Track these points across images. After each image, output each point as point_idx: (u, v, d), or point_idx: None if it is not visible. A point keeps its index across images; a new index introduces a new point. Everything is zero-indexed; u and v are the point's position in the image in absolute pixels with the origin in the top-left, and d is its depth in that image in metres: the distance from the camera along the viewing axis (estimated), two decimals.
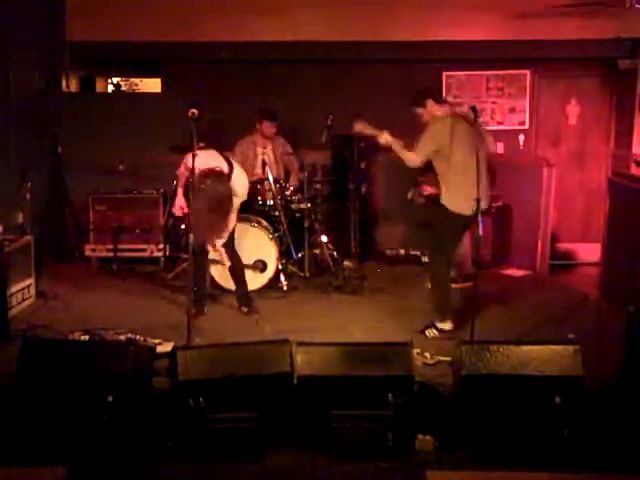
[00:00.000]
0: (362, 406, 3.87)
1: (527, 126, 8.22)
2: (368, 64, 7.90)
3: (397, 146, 5.33)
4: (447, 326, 5.29)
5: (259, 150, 7.13)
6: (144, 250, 7.29)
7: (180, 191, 5.86)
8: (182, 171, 5.78)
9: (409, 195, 6.11)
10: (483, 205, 5.02)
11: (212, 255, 6.33)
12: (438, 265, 5.41)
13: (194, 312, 5.49)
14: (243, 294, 5.96)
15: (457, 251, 6.11)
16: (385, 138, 5.36)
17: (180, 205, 5.82)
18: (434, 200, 5.38)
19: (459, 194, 5.13)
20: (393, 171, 6.78)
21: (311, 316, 5.78)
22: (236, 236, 6.37)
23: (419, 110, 5.39)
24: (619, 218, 6.30)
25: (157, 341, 4.92)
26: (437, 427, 3.94)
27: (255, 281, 6.37)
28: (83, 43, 7.64)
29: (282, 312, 5.93)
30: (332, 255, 7.02)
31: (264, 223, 6.55)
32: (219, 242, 5.71)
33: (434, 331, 5.29)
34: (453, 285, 6.29)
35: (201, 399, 3.81)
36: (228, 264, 5.83)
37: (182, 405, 3.83)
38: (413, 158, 5.22)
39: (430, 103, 5.34)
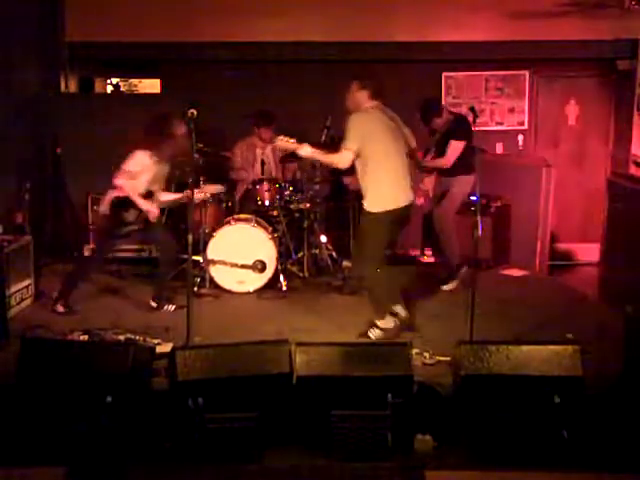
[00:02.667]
0: (361, 406, 3.87)
1: (526, 126, 8.23)
2: (368, 64, 7.89)
3: (320, 155, 5.22)
4: (389, 324, 5.17)
5: (258, 151, 7.14)
6: (144, 250, 7.29)
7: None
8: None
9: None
10: (410, 198, 5.09)
11: (211, 254, 6.35)
12: (371, 273, 5.19)
13: (157, 306, 5.81)
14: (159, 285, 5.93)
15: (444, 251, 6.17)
16: (305, 150, 5.19)
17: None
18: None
19: (378, 188, 5.03)
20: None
21: (310, 316, 5.78)
22: (236, 236, 6.39)
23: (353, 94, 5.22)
24: (618, 218, 6.30)
25: (156, 341, 4.93)
26: (436, 427, 3.94)
27: (254, 281, 6.37)
28: (82, 44, 7.65)
29: (281, 312, 5.93)
30: (331, 255, 7.03)
31: (263, 223, 6.55)
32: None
33: (377, 330, 5.17)
34: (443, 287, 6.40)
35: (200, 399, 3.81)
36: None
37: (181, 405, 3.83)
38: (343, 157, 5.02)
39: (363, 94, 5.16)
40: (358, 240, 5.36)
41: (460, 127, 6.29)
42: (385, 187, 5.03)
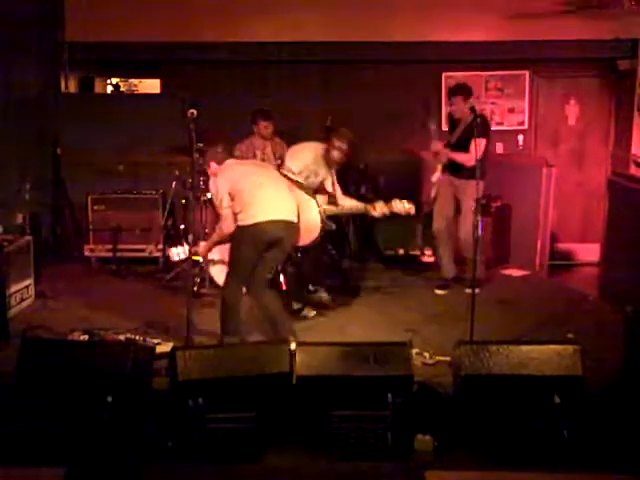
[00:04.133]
0: (361, 406, 3.87)
1: (526, 126, 8.22)
2: (367, 65, 7.90)
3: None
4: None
5: (258, 152, 7.13)
6: (143, 250, 7.29)
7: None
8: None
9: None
10: (288, 217, 4.98)
11: (212, 254, 6.34)
12: (234, 288, 5.04)
13: None
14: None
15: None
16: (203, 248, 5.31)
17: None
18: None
19: (252, 208, 4.93)
20: (392, 171, 6.78)
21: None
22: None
23: None
24: (618, 218, 6.30)
25: (156, 341, 4.93)
26: (436, 427, 3.94)
27: None
28: (82, 44, 7.64)
29: None
30: (331, 255, 7.02)
31: None
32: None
33: None
34: (466, 290, 6.12)
35: (200, 399, 3.81)
36: None
37: (181, 405, 3.83)
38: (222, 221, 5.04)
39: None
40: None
41: (484, 125, 6.16)
42: (251, 209, 4.93)
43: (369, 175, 7.70)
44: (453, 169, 6.39)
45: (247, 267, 4.97)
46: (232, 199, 4.97)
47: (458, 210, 6.50)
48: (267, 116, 6.99)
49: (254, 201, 4.92)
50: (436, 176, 6.46)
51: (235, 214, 4.98)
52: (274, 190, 5.06)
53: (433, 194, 6.67)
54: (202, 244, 5.35)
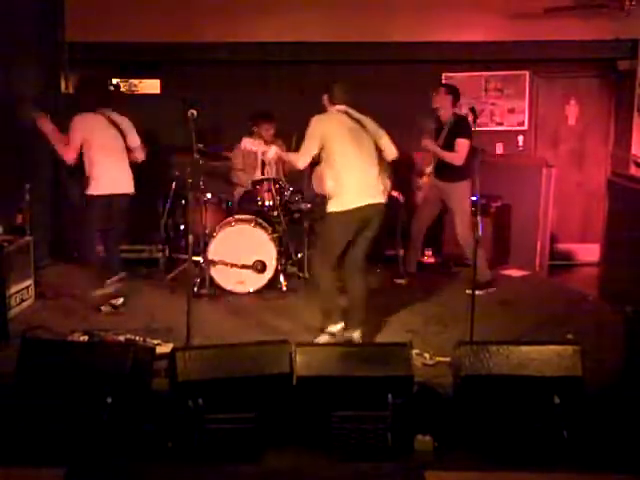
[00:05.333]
0: (361, 407, 3.87)
1: (526, 127, 8.22)
2: (368, 65, 7.90)
3: (286, 156, 5.47)
4: (337, 328, 5.14)
5: (259, 153, 7.13)
6: (143, 251, 7.29)
7: None
8: None
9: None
10: (377, 199, 5.04)
11: (211, 255, 6.35)
12: (325, 272, 5.17)
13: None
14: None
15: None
16: (274, 152, 5.38)
17: None
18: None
19: (346, 188, 4.98)
20: (392, 171, 6.77)
21: (310, 317, 5.77)
22: (236, 236, 6.39)
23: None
24: (618, 219, 6.31)
25: (156, 342, 4.93)
26: (436, 427, 3.94)
27: (254, 281, 6.38)
28: (82, 44, 7.64)
29: (281, 313, 5.93)
30: None
31: (263, 223, 6.55)
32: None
33: (326, 337, 5.12)
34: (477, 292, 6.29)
35: (200, 400, 3.81)
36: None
37: (181, 406, 3.83)
38: (298, 157, 5.13)
39: (325, 97, 5.31)
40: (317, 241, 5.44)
41: (466, 126, 6.30)
42: (344, 188, 4.98)
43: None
44: (437, 171, 6.53)
45: (338, 250, 5.09)
46: (321, 148, 5.03)
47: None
48: (269, 118, 7.00)
49: (344, 182, 4.96)
50: (424, 180, 6.61)
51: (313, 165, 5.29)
52: (363, 167, 5.05)
53: (420, 197, 6.78)
54: (275, 148, 5.40)
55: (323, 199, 5.37)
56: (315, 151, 5.04)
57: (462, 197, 6.41)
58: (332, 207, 5.02)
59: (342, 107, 5.21)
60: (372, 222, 5.05)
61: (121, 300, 5.96)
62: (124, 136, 6.23)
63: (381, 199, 5.10)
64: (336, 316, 5.16)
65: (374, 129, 5.24)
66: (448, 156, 6.34)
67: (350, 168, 4.99)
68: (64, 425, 3.82)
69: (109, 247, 6.47)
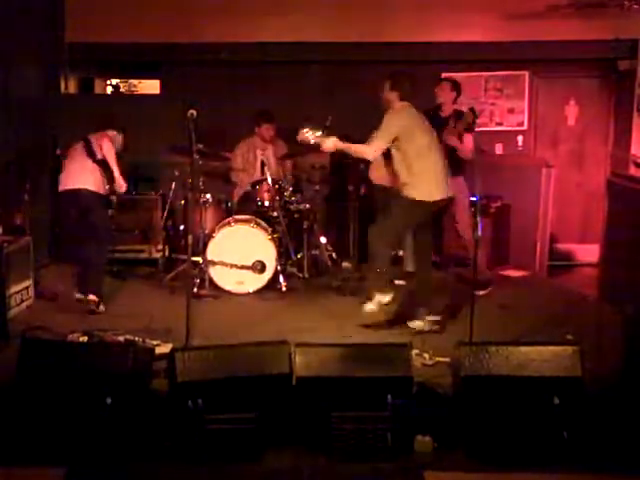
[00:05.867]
0: (361, 407, 3.87)
1: (526, 127, 8.22)
2: (367, 65, 7.89)
3: (348, 147, 5.38)
4: (386, 299, 5.35)
5: (259, 152, 7.14)
6: (143, 251, 7.29)
7: None
8: None
9: None
10: (449, 193, 5.29)
11: (211, 255, 6.35)
12: (384, 246, 5.35)
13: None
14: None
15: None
16: (328, 145, 5.32)
17: None
18: (392, 192, 5.44)
19: (426, 178, 5.21)
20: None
21: (310, 317, 5.78)
22: (236, 237, 6.39)
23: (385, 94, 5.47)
24: (618, 219, 6.30)
25: (156, 342, 4.92)
26: (436, 428, 3.94)
27: (254, 282, 6.38)
28: (82, 44, 7.64)
29: (281, 313, 5.93)
30: (331, 256, 7.03)
31: (263, 224, 6.55)
32: None
33: (373, 306, 5.35)
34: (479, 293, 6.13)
35: (200, 400, 3.81)
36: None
37: (181, 406, 3.83)
38: (370, 150, 5.23)
39: (393, 93, 5.42)
40: (384, 219, 5.48)
41: (472, 122, 6.30)
42: (425, 180, 5.21)
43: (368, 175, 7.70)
44: None
45: (402, 233, 5.58)
46: (396, 140, 5.19)
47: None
48: (269, 119, 7.02)
49: (424, 174, 5.18)
50: None
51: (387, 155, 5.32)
52: (439, 161, 5.30)
53: None
54: (333, 139, 5.34)
55: (383, 189, 5.71)
56: (388, 144, 5.21)
57: (460, 191, 6.42)
58: (412, 194, 5.20)
59: (407, 103, 5.37)
60: (437, 214, 5.43)
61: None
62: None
63: (450, 193, 5.38)
64: (388, 288, 5.38)
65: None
66: (463, 151, 6.24)
67: (430, 162, 5.24)
68: (64, 425, 3.82)
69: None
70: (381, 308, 5.37)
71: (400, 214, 5.35)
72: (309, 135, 5.31)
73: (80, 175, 5.99)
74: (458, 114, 6.35)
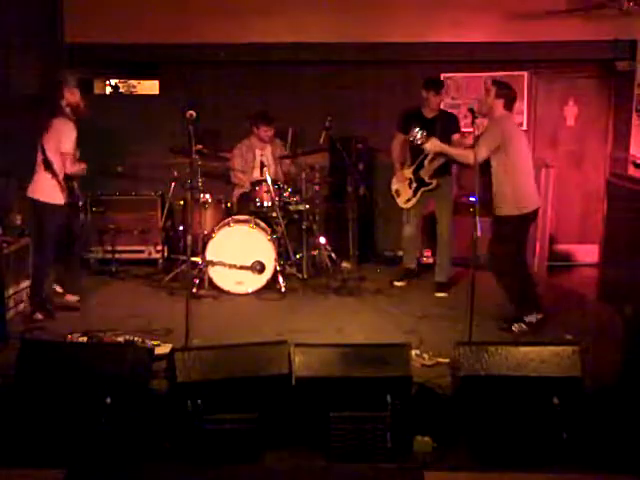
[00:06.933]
0: (360, 407, 3.87)
1: (525, 127, 8.20)
2: (367, 65, 7.90)
3: (452, 150, 5.66)
4: (535, 318, 5.46)
5: (257, 152, 7.14)
6: (142, 252, 7.29)
7: None
8: None
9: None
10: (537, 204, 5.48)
11: (210, 256, 6.35)
12: (521, 270, 5.49)
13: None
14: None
15: None
16: (433, 144, 5.62)
17: None
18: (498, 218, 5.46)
19: (528, 190, 5.37)
20: (391, 172, 6.78)
21: (309, 317, 5.79)
22: (235, 237, 6.39)
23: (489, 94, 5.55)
24: (617, 219, 6.31)
25: (155, 343, 4.93)
26: (435, 428, 3.94)
27: (253, 282, 6.38)
28: (81, 45, 7.64)
29: (280, 313, 5.93)
30: (330, 256, 7.03)
31: (262, 224, 6.55)
32: None
33: (522, 325, 5.43)
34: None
35: (199, 401, 3.81)
36: None
37: (180, 407, 3.83)
38: (470, 155, 5.26)
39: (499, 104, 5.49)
40: (500, 245, 5.45)
41: (457, 122, 6.48)
42: (526, 190, 5.37)
43: (367, 176, 7.71)
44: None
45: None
46: (497, 151, 5.30)
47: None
48: (268, 121, 7.02)
49: (526, 186, 5.35)
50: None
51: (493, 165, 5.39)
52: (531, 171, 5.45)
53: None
54: (435, 140, 5.60)
55: None
56: (490, 152, 5.32)
57: (449, 192, 6.49)
58: (519, 210, 5.32)
59: (508, 113, 5.49)
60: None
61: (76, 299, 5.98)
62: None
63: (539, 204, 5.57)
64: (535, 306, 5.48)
65: None
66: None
67: (529, 173, 5.40)
68: (63, 426, 3.82)
69: None
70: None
71: (516, 233, 5.44)
72: (418, 134, 5.57)
73: (32, 184, 5.71)
74: (444, 116, 6.37)
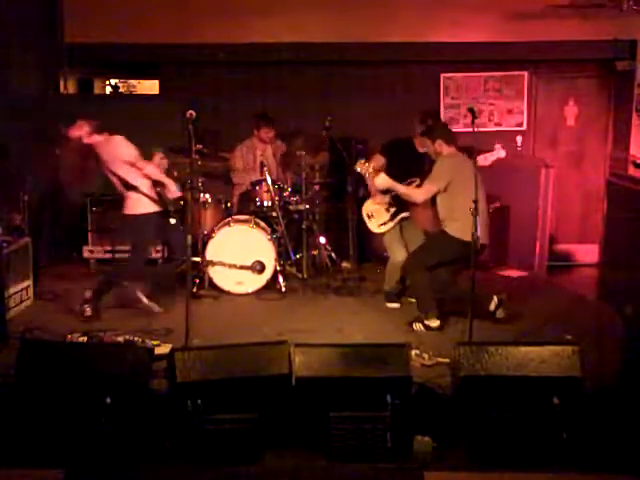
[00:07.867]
0: (360, 407, 3.87)
1: (525, 127, 8.22)
2: (367, 65, 7.90)
3: (399, 187, 5.61)
4: (434, 323, 5.46)
5: (258, 153, 7.14)
6: None
7: None
8: None
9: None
10: (482, 240, 5.19)
11: (210, 255, 6.35)
12: (419, 271, 5.53)
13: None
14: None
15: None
16: (382, 180, 5.61)
17: None
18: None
19: (468, 225, 4.95)
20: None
21: (309, 317, 5.78)
22: (235, 237, 6.39)
23: (426, 143, 5.61)
24: (617, 219, 6.31)
25: (155, 343, 4.92)
26: (435, 428, 3.94)
27: (253, 282, 6.38)
28: (81, 45, 7.64)
29: (280, 313, 5.93)
30: (330, 256, 7.03)
31: (262, 224, 6.55)
32: None
33: (421, 326, 5.48)
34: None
35: (199, 401, 3.81)
36: None
37: (180, 407, 3.83)
38: (418, 195, 5.49)
39: (439, 142, 5.49)
40: (422, 247, 5.65)
41: None
42: (466, 221, 5.00)
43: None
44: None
45: (436, 263, 5.47)
46: (445, 190, 5.37)
47: None
48: (269, 122, 7.03)
49: (466, 217, 4.89)
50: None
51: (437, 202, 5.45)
52: (482, 207, 5.23)
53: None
54: (384, 176, 5.62)
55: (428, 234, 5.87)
56: (439, 191, 5.38)
57: None
58: (457, 234, 5.30)
59: (453, 148, 5.50)
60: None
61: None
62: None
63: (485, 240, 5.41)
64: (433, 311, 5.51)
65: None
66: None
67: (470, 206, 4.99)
68: (63, 426, 3.82)
69: None
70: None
71: (442, 245, 5.47)
72: (365, 167, 5.67)
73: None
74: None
